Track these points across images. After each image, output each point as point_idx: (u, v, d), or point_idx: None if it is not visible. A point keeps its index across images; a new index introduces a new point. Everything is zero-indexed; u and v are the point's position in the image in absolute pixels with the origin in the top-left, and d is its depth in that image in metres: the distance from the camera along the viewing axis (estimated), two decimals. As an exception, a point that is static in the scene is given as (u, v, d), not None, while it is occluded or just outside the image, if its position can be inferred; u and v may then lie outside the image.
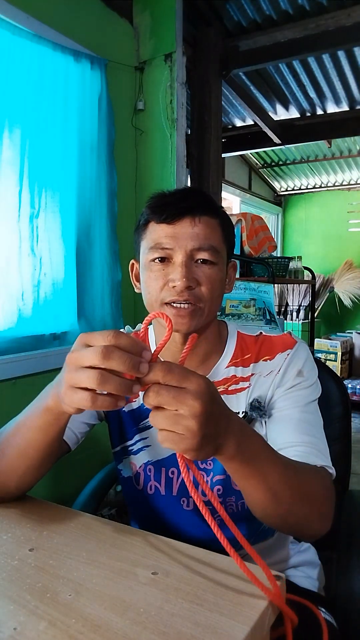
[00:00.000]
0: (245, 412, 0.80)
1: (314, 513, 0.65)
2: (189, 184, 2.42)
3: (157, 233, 0.76)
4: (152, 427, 0.84)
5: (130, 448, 0.86)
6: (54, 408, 0.60)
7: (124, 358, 0.47)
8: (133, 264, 0.86)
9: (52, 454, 0.70)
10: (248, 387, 0.81)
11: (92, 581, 0.51)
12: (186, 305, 0.73)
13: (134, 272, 0.86)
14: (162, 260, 0.75)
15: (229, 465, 0.57)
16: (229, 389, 0.82)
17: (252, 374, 0.82)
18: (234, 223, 2.51)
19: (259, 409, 0.78)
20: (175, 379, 0.48)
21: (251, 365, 0.83)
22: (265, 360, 0.82)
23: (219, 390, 0.81)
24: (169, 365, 0.48)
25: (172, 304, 0.74)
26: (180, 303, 0.73)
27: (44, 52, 1.63)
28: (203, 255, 0.74)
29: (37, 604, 0.48)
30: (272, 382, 0.80)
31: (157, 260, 0.75)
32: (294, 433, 0.74)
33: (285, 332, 0.86)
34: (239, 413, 0.81)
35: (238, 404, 0.81)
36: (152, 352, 0.50)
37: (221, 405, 0.52)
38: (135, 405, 0.86)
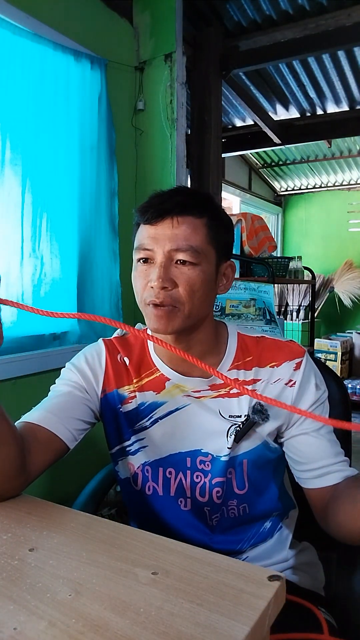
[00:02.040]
0: (248, 416, 0.80)
1: None
2: (189, 184, 2.41)
3: (142, 234, 0.77)
4: (148, 427, 0.84)
5: (128, 449, 0.86)
6: None
7: None
8: None
9: (9, 442, 0.68)
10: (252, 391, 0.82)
11: (92, 581, 0.51)
12: (164, 307, 0.74)
13: None
14: (146, 261, 0.77)
15: None
16: (231, 392, 0.82)
17: (258, 379, 0.82)
18: (234, 223, 2.51)
19: (261, 412, 0.79)
20: None
21: (253, 369, 0.83)
22: (273, 366, 0.82)
23: (220, 393, 0.82)
24: None
25: (153, 304, 0.75)
26: (157, 305, 0.74)
27: (44, 52, 1.63)
28: (181, 256, 0.74)
29: (37, 604, 0.48)
30: (286, 394, 0.81)
31: (141, 261, 0.77)
32: (332, 456, 0.79)
33: (288, 339, 0.87)
34: (240, 417, 0.81)
35: (240, 407, 0.81)
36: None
37: None
38: (131, 406, 0.85)
